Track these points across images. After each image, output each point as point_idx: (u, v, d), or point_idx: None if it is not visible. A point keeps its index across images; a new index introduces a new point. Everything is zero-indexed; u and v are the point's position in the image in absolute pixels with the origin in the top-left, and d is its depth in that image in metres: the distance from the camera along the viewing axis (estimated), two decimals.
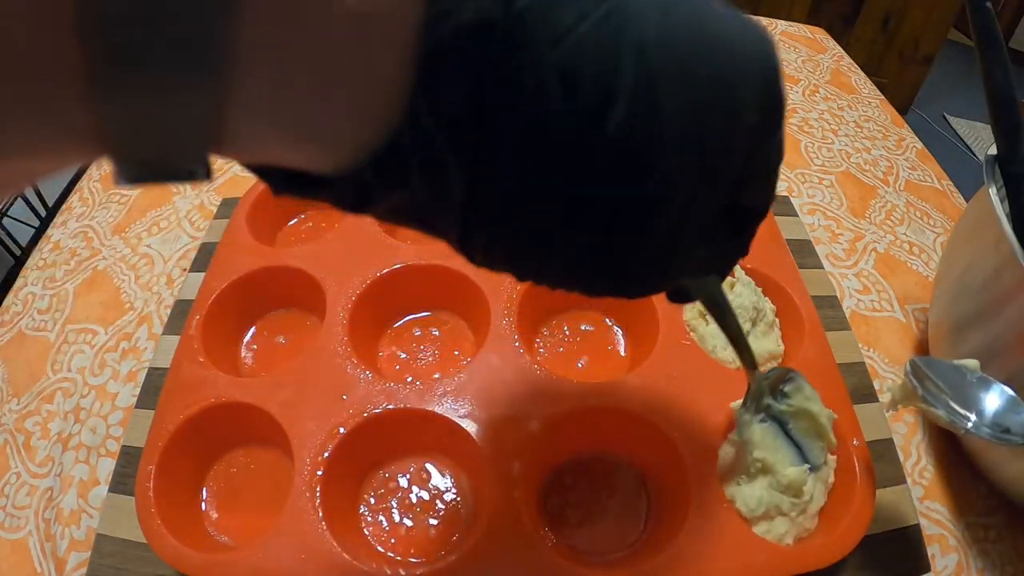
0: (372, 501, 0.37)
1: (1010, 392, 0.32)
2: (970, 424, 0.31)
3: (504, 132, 0.15)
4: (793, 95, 0.75)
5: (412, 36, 0.14)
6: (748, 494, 0.35)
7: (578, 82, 0.15)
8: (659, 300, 0.43)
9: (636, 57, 0.15)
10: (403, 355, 0.43)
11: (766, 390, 0.36)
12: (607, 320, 0.46)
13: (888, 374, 0.47)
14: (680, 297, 0.25)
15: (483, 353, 0.40)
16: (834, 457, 0.36)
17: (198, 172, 0.14)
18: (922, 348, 0.49)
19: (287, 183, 0.17)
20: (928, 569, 0.37)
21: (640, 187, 0.16)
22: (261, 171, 0.17)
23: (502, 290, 0.43)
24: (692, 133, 0.16)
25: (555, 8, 0.14)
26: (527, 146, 0.15)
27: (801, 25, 0.91)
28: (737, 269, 0.45)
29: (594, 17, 0.15)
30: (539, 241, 0.18)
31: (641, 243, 0.18)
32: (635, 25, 0.15)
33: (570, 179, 0.16)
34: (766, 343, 0.43)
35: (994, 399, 0.32)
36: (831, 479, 0.36)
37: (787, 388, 0.36)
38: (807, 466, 0.35)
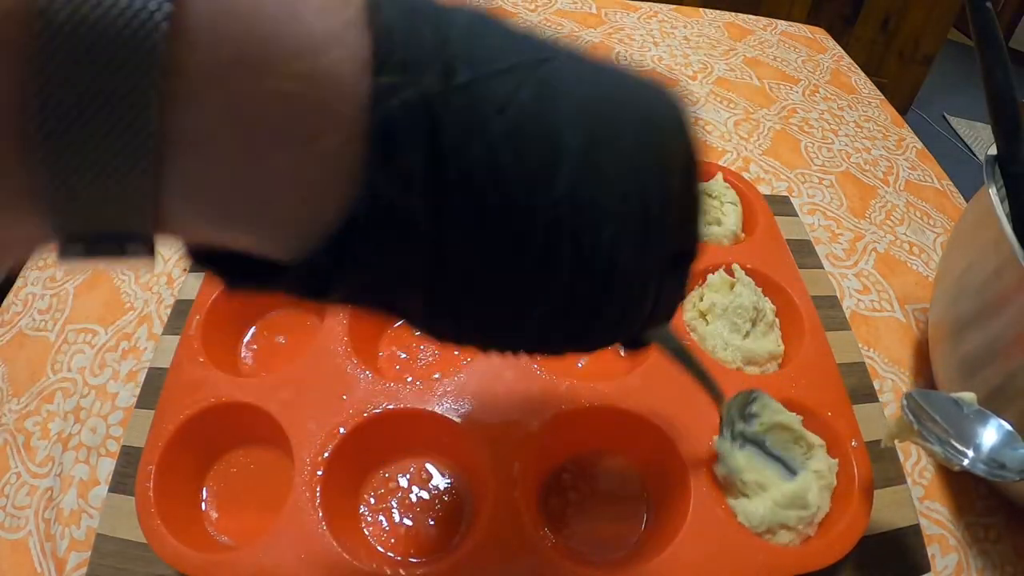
0: (372, 501, 0.37)
1: (1007, 427, 0.32)
2: (966, 461, 0.30)
3: (462, 201, 0.15)
4: (793, 95, 0.75)
5: (357, 113, 0.14)
6: (751, 511, 0.34)
7: (525, 147, 0.15)
8: None
9: (573, 123, 0.16)
10: (403, 355, 0.43)
11: (736, 416, 0.36)
12: None
13: (888, 374, 0.47)
14: (635, 346, 0.26)
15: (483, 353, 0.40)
16: (836, 460, 0.36)
17: (139, 251, 0.14)
18: (922, 348, 0.49)
19: (239, 277, 0.16)
20: (928, 569, 0.37)
21: (594, 245, 0.17)
22: (213, 260, 0.16)
23: None
24: (632, 189, 0.17)
25: (493, 80, 0.15)
26: (485, 213, 0.15)
27: (801, 25, 0.91)
28: (737, 269, 0.45)
29: (529, 87, 0.15)
30: (506, 308, 0.17)
31: (603, 302, 0.18)
32: (568, 93, 0.16)
33: (527, 243, 0.16)
34: (766, 343, 0.43)
35: (991, 434, 0.32)
36: (834, 483, 0.36)
37: (754, 408, 0.37)
38: (794, 476, 0.36)
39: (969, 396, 0.33)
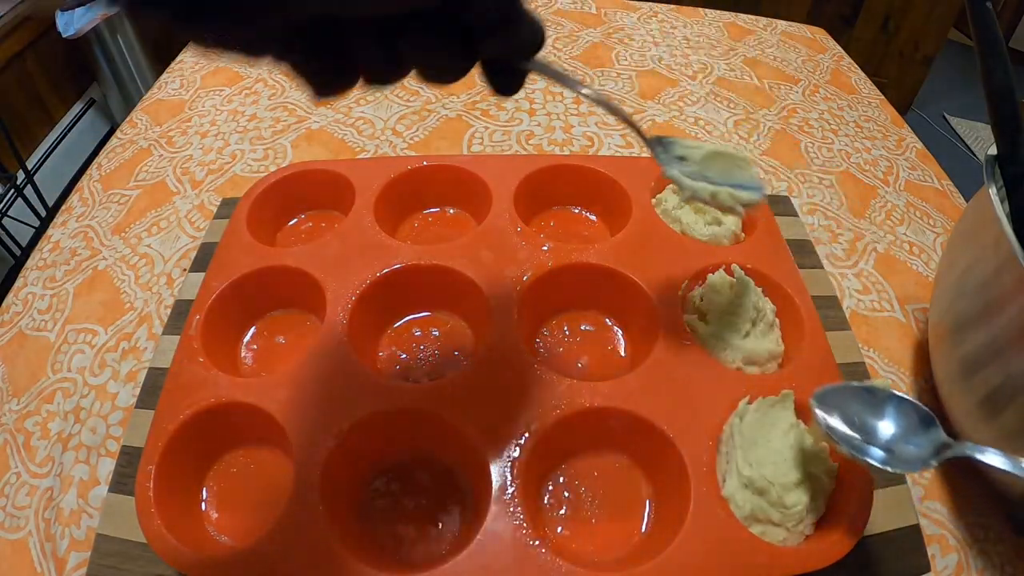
0: (372, 501, 0.37)
1: (915, 415, 0.33)
2: (871, 460, 0.31)
3: None
4: (793, 95, 0.75)
5: None
6: (740, 495, 0.35)
7: None
8: (659, 301, 0.43)
9: None
10: (403, 355, 0.43)
11: (670, 160, 0.34)
12: (607, 320, 0.46)
13: (888, 374, 0.47)
14: (508, 75, 0.26)
15: (483, 353, 0.40)
16: (836, 464, 0.36)
17: None
18: (922, 348, 0.49)
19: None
20: (928, 569, 0.37)
21: None
22: None
23: (502, 290, 0.43)
24: None
25: None
26: None
27: (801, 25, 0.91)
28: (737, 269, 0.45)
29: None
30: None
31: None
32: None
33: None
34: (766, 343, 0.43)
35: (889, 425, 0.33)
36: (832, 486, 0.36)
37: (677, 150, 0.35)
38: (757, 194, 0.35)
39: (881, 383, 0.34)
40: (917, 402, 0.33)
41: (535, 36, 0.25)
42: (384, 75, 0.24)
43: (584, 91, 0.29)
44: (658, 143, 0.34)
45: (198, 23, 0.19)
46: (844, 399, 0.33)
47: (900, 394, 0.33)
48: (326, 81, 0.24)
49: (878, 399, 0.33)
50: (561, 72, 0.28)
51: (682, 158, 0.35)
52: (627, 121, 0.31)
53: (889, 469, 0.31)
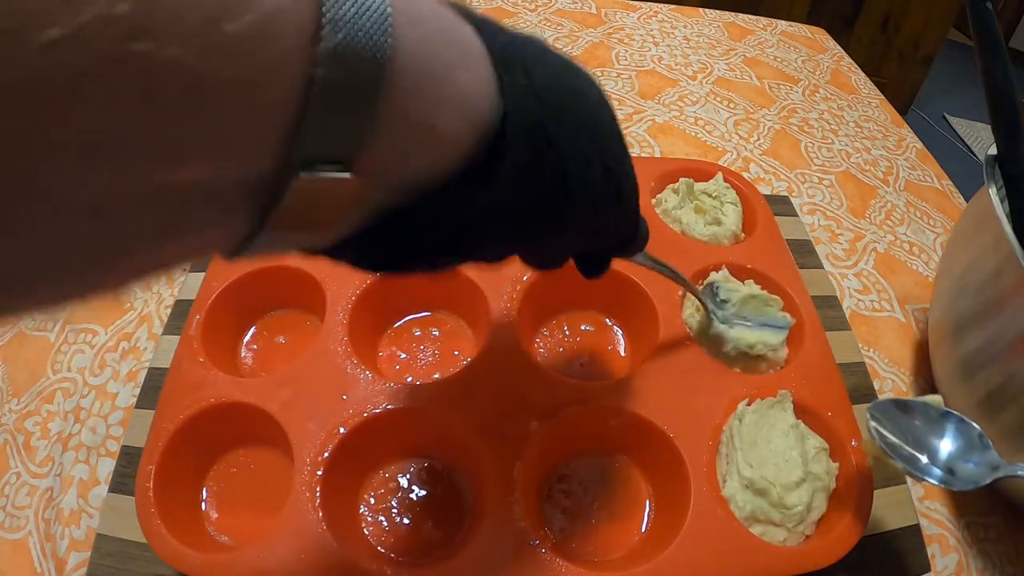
0: (372, 501, 0.37)
1: (970, 432, 0.32)
2: (929, 479, 0.31)
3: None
4: (793, 95, 0.75)
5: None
6: (740, 495, 0.35)
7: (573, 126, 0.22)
8: (659, 301, 0.43)
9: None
10: (403, 355, 0.43)
11: (714, 305, 0.41)
12: (607, 320, 0.46)
13: (888, 374, 0.47)
14: (600, 267, 0.30)
15: (483, 353, 0.40)
16: (836, 464, 0.36)
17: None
18: (922, 348, 0.49)
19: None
20: (928, 569, 0.37)
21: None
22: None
23: (502, 290, 0.43)
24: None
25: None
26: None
27: (801, 25, 0.91)
28: (724, 272, 0.45)
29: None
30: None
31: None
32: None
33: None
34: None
35: (948, 443, 0.32)
36: (832, 485, 0.36)
37: (721, 295, 0.42)
38: (784, 329, 0.42)
39: (935, 399, 0.33)
40: (970, 420, 0.32)
41: (646, 237, 0.29)
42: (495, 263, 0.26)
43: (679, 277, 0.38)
44: (710, 291, 0.42)
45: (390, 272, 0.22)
46: (898, 413, 0.33)
47: (955, 412, 0.33)
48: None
49: (932, 416, 0.33)
50: (650, 259, 0.35)
51: (725, 300, 0.42)
52: (690, 288, 0.40)
53: (946, 488, 0.31)
